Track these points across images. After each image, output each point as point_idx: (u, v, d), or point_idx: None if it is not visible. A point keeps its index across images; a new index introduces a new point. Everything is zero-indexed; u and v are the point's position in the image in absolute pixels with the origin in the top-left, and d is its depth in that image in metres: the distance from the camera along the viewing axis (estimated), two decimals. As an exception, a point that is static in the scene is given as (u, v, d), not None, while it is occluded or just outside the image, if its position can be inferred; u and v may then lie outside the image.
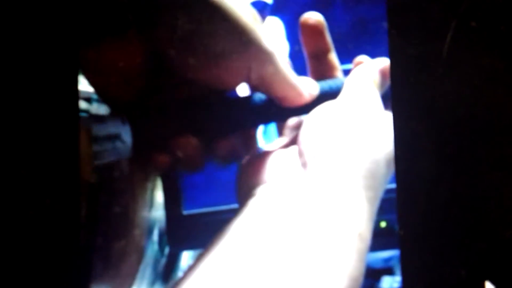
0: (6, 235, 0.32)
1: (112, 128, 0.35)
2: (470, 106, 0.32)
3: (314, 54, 0.42)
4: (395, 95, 0.33)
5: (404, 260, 0.33)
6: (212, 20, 0.33)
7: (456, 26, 0.31)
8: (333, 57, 0.43)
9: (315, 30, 0.41)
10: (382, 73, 0.40)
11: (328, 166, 0.34)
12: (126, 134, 0.35)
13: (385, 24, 0.32)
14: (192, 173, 0.40)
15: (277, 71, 0.37)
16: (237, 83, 0.37)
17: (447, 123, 0.32)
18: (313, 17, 0.41)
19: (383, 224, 0.52)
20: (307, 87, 0.39)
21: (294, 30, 0.45)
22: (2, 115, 0.33)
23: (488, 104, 0.31)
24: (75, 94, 0.34)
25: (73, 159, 0.34)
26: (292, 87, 0.38)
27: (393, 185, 0.37)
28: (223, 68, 0.35)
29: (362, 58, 0.42)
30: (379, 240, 0.54)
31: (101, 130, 0.35)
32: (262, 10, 0.47)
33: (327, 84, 0.41)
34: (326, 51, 0.42)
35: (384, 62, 0.40)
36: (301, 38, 0.41)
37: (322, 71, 0.41)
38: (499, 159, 0.31)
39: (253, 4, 0.47)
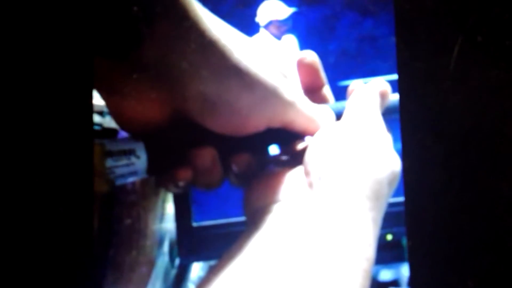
0: (19, 243, 0.32)
1: (126, 144, 0.36)
2: (477, 118, 0.32)
3: (309, 89, 0.43)
4: (403, 108, 0.33)
5: (412, 271, 0.33)
6: (238, 84, 0.35)
7: (462, 40, 0.32)
8: (327, 91, 0.44)
9: (310, 68, 0.43)
10: (382, 95, 0.41)
11: (334, 188, 0.35)
12: (140, 150, 0.36)
13: (393, 39, 0.33)
14: (209, 190, 0.40)
15: (297, 115, 0.38)
16: (257, 131, 0.38)
17: (454, 135, 0.33)
18: (308, 56, 0.43)
19: (389, 237, 0.53)
20: (325, 117, 0.40)
21: (304, 46, 0.46)
22: (17, 125, 0.33)
23: (495, 116, 0.32)
24: (90, 106, 0.35)
25: (87, 168, 0.34)
26: (311, 121, 0.39)
27: (399, 198, 0.38)
28: (243, 122, 0.37)
29: (356, 84, 0.42)
30: (385, 252, 0.55)
31: (115, 145, 0.35)
32: (285, 24, 0.48)
33: (331, 107, 0.42)
34: (320, 87, 0.44)
35: (382, 84, 0.41)
36: (298, 75, 0.43)
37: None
38: (507, 171, 0.31)
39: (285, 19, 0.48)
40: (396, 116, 0.36)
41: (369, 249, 0.33)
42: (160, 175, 0.38)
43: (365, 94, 0.40)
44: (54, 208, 0.33)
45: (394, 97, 0.40)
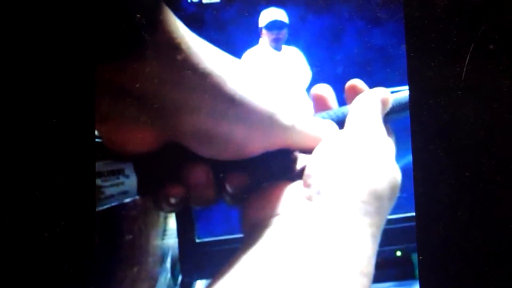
0: (21, 258, 0.32)
1: (114, 164, 0.35)
2: (490, 128, 0.31)
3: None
4: (414, 118, 0.32)
5: (423, 286, 0.33)
6: (232, 116, 0.35)
7: (474, 49, 0.31)
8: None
9: (321, 100, 0.43)
10: (383, 102, 0.40)
11: (333, 203, 0.34)
12: (129, 169, 0.35)
13: (403, 48, 0.32)
14: (203, 207, 0.39)
15: (297, 136, 0.38)
16: (253, 156, 0.38)
17: (466, 147, 0.32)
18: (318, 90, 0.43)
19: (398, 253, 0.52)
20: (328, 132, 0.40)
21: (310, 56, 0.46)
22: (19, 140, 0.33)
23: (507, 126, 0.31)
24: (91, 118, 0.34)
25: (88, 182, 0.34)
26: (314, 139, 0.39)
27: (409, 214, 0.37)
28: (238, 150, 0.36)
29: (355, 81, 0.42)
30: (394, 269, 0.54)
31: (102, 166, 0.35)
32: (280, 30, 0.48)
33: (331, 115, 0.41)
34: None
35: (383, 92, 0.40)
36: (312, 104, 0.43)
37: None
38: (521, 182, 0.31)
39: (272, 23, 0.48)
40: (400, 115, 0.35)
41: (368, 265, 0.33)
42: (152, 195, 0.37)
43: (366, 103, 0.39)
44: (56, 220, 0.32)
45: (399, 95, 0.40)
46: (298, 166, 0.40)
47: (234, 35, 0.37)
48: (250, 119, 0.35)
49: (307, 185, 0.36)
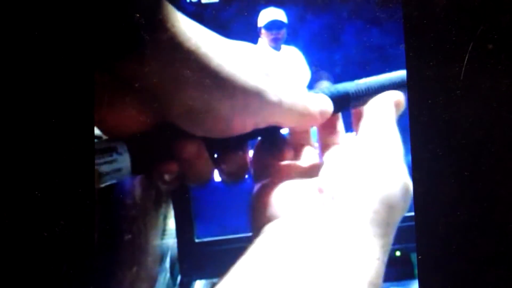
0: (20, 257, 0.32)
1: (106, 142, 0.36)
2: (489, 128, 0.31)
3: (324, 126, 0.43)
4: (413, 117, 0.32)
5: (422, 285, 0.33)
6: (219, 93, 0.35)
7: (473, 48, 0.31)
8: (340, 125, 0.44)
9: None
10: (397, 105, 0.40)
11: (346, 210, 0.34)
12: (122, 147, 0.35)
13: (401, 48, 0.32)
14: (201, 184, 0.39)
15: (285, 112, 0.38)
16: (243, 133, 0.38)
17: (466, 146, 0.32)
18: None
19: (398, 253, 0.52)
20: (319, 106, 0.39)
21: (309, 55, 0.46)
22: (18, 140, 0.33)
23: (506, 126, 0.31)
24: (90, 117, 0.34)
25: (88, 181, 0.34)
26: (303, 115, 0.39)
27: (408, 213, 0.37)
28: (227, 128, 0.37)
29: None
30: (394, 269, 0.54)
31: (95, 145, 0.35)
32: (279, 30, 0.48)
33: (324, 90, 0.41)
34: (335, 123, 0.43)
35: (397, 95, 0.40)
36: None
37: (328, 138, 0.42)
38: (520, 181, 0.31)
39: (271, 23, 0.48)
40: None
41: (376, 277, 0.33)
42: (146, 172, 0.37)
43: (380, 107, 0.39)
44: (55, 222, 0.32)
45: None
46: (289, 145, 0.41)
47: (233, 35, 0.37)
48: (236, 96, 0.35)
49: (321, 189, 0.36)
